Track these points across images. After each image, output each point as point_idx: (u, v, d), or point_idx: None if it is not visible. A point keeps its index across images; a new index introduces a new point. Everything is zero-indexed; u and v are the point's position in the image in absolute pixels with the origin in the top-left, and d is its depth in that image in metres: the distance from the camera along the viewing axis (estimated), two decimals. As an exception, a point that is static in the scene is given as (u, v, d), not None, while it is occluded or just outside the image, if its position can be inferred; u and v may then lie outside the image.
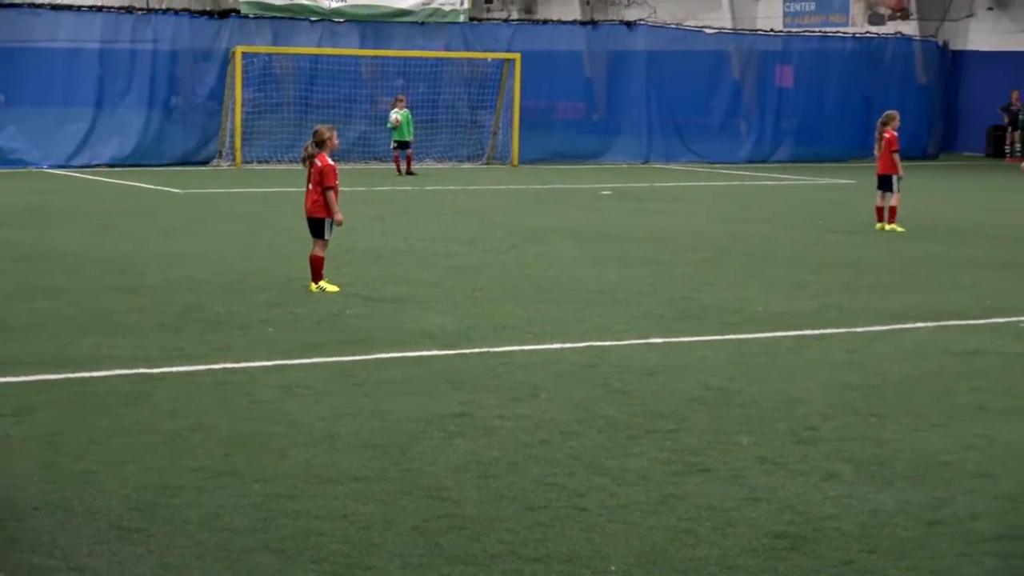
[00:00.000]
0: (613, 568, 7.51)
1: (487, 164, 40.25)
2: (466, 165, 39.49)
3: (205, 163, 37.43)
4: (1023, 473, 9.52)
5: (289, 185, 27.23)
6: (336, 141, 17.54)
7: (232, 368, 12.63)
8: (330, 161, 17.00)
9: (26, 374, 12.13)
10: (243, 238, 22.48)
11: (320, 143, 17.09)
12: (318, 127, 17.79)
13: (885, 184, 24.77)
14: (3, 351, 12.99)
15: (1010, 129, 45.76)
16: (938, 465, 9.72)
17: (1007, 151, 45.37)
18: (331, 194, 16.75)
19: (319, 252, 16.80)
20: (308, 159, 17.14)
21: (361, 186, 25.68)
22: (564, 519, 8.37)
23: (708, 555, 7.74)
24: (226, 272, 18.47)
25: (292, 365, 12.80)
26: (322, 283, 16.62)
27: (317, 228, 16.80)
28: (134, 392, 11.68)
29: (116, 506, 8.43)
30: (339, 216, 16.91)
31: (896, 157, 24.89)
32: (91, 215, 25.65)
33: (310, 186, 16.93)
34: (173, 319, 14.98)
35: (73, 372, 12.28)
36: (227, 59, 37.82)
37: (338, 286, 16.61)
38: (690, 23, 48.70)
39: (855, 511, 8.59)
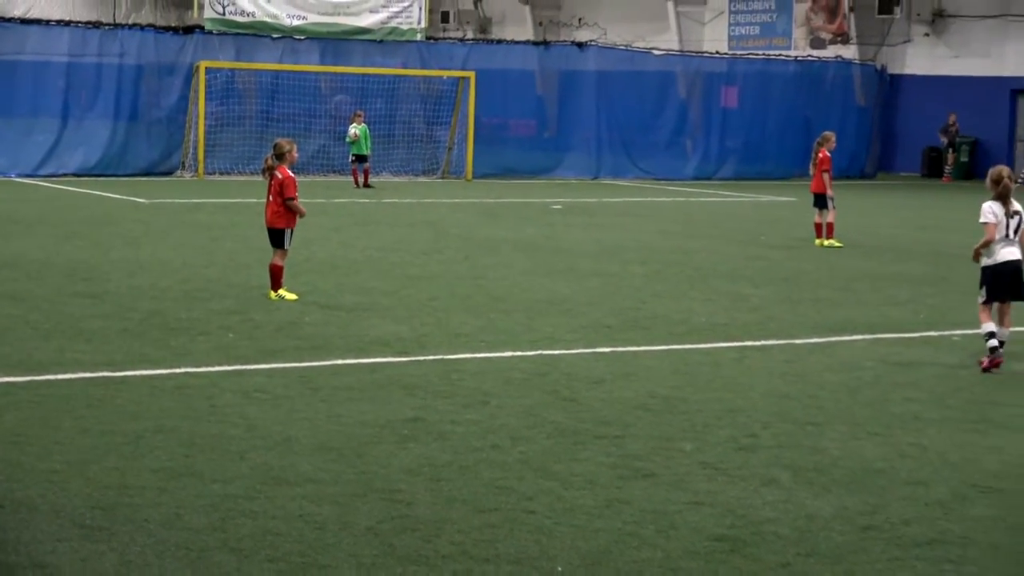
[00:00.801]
0: (560, 569, 7.59)
1: (442, 178, 40.29)
2: (422, 179, 39.50)
3: (169, 174, 37.39)
4: (955, 481, 9.64)
5: (250, 196, 27.23)
6: (295, 154, 17.58)
7: (193, 372, 12.69)
8: (290, 173, 17.02)
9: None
10: (205, 247, 22.46)
11: (280, 156, 17.15)
12: (278, 140, 17.90)
13: (820, 202, 24.93)
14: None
15: (949, 151, 46.02)
16: (873, 472, 9.84)
17: (946, 171, 45.63)
18: (293, 203, 16.76)
19: (279, 261, 16.85)
20: (268, 171, 17.20)
21: (320, 198, 25.67)
22: (513, 521, 8.44)
23: (651, 557, 7.83)
24: (188, 280, 18.47)
25: (251, 370, 12.86)
26: (281, 291, 16.66)
27: (277, 238, 16.85)
28: (97, 395, 11.75)
29: (79, 505, 8.47)
30: (303, 210, 17.06)
31: (826, 177, 25.03)
32: (57, 223, 25.59)
33: (270, 197, 16.97)
34: (136, 325, 14.99)
35: (37, 375, 12.32)
36: (191, 73, 37.79)
37: (296, 294, 16.65)
38: (639, 45, 48.82)
39: (793, 516, 8.70)
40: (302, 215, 16.96)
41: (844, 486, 9.44)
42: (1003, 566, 7.93)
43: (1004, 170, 14.08)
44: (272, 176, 17.01)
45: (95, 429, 10.44)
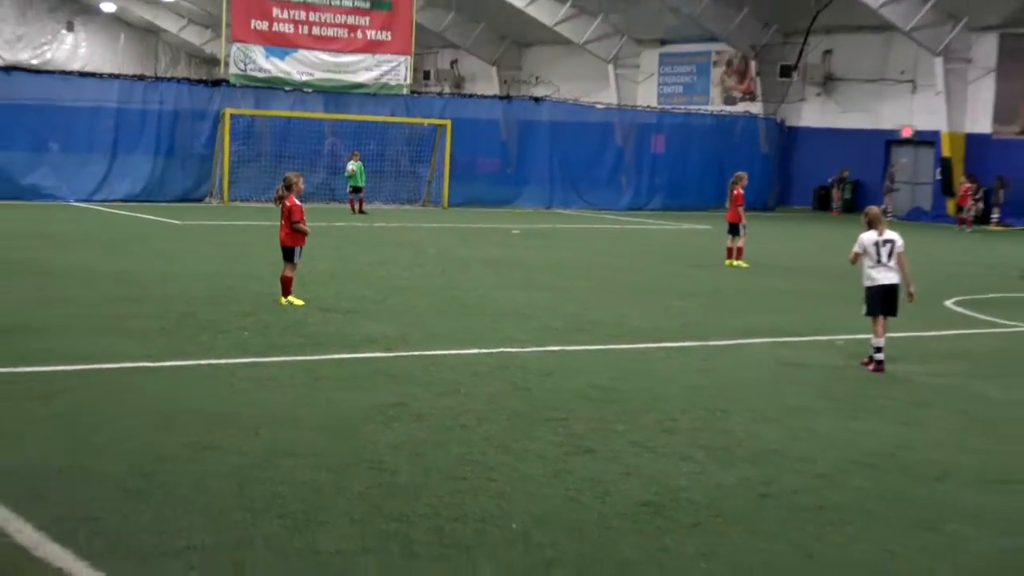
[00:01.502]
0: (515, 526, 7.60)
1: (423, 206, 40.18)
2: (406, 207, 39.37)
3: (199, 200, 37.18)
4: (837, 458, 9.76)
5: (265, 220, 27.10)
6: (302, 186, 17.51)
7: (216, 364, 12.70)
8: (297, 202, 17.00)
9: (50, 365, 12.11)
10: (227, 261, 22.40)
11: (289, 187, 17.13)
12: (288, 174, 17.87)
13: (733, 230, 24.96)
14: (32, 347, 12.95)
15: (836, 188, 46.26)
16: (770, 451, 9.94)
17: (834, 206, 45.81)
18: (299, 226, 16.74)
19: (288, 273, 16.79)
20: (280, 200, 17.18)
21: (322, 222, 25.51)
22: (478, 488, 8.50)
23: (589, 518, 7.91)
24: (213, 287, 18.40)
25: (263, 362, 12.85)
26: (290, 298, 16.60)
27: (288, 254, 16.81)
28: (137, 382, 11.79)
29: (122, 471, 8.49)
30: (307, 231, 16.97)
31: (741, 210, 25.07)
32: (106, 240, 25.51)
33: (282, 221, 16.94)
34: (170, 324, 14.93)
35: (89, 365, 12.31)
36: (218, 119, 37.64)
37: (303, 300, 16.57)
38: (584, 100, 48.82)
39: (704, 485, 8.78)
40: (306, 235, 16.93)
41: (747, 461, 9.52)
42: (876, 527, 8.00)
43: (872, 209, 14.30)
44: (283, 204, 17.05)
45: (135, 409, 10.48)
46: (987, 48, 43.02)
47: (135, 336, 13.97)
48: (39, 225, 27.60)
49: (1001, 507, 8.54)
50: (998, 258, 27.63)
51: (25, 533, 7.14)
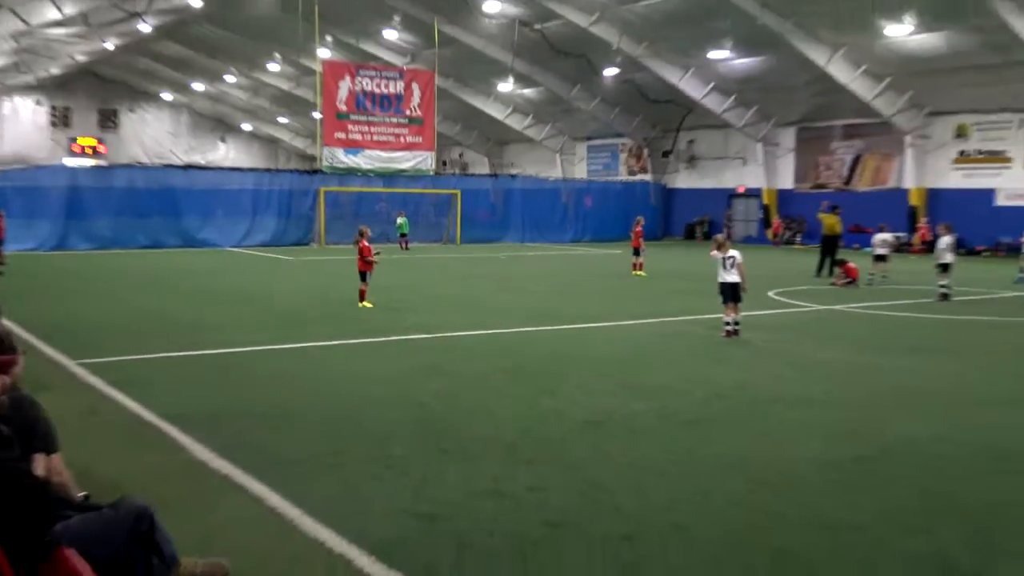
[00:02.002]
0: (508, 440, 7.57)
1: (444, 244, 40.10)
2: (434, 245, 39.34)
3: (306, 244, 37.08)
4: (706, 391, 9.78)
5: (347, 256, 27.04)
6: (369, 233, 17.58)
7: (314, 345, 12.63)
8: (366, 243, 17.03)
9: (220, 348, 12.09)
10: (322, 281, 22.38)
11: (361, 234, 17.26)
12: (361, 227, 18.02)
13: (635, 253, 24.98)
14: (208, 337, 12.88)
15: (698, 225, 46.56)
16: (664, 386, 9.98)
17: (698, 236, 46.01)
18: (370, 258, 16.79)
19: (363, 287, 16.76)
20: (356, 242, 17.24)
21: (383, 255, 25.38)
22: (483, 416, 8.54)
23: (553, 434, 7.95)
24: (312, 297, 18.37)
25: (349, 343, 12.79)
26: (364, 303, 16.54)
27: (361, 277, 16.80)
28: (270, 357, 11.75)
29: (263, 412, 8.47)
30: (376, 259, 17.01)
31: (642, 240, 25.13)
32: (247, 271, 25.55)
33: (358, 256, 16.95)
34: (283, 321, 14.92)
35: (242, 347, 12.23)
36: (316, 194, 37.65)
37: (372, 303, 16.54)
38: (542, 175, 48.92)
39: (624, 411, 8.80)
40: (374, 264, 16.92)
41: (649, 394, 9.53)
42: (731, 435, 8.00)
43: (719, 236, 14.42)
44: (358, 245, 17.08)
45: (271, 374, 10.47)
46: (789, 136, 43.17)
47: (260, 329, 13.94)
48: (207, 263, 27.65)
49: (812, 420, 8.58)
50: (800, 265, 27.74)
51: (204, 453, 7.13)
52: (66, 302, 17.29)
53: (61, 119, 65.23)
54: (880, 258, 23.02)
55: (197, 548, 4.69)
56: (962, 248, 36.28)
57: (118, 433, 7.82)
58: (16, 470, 3.88)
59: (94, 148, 63.69)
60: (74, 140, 64.05)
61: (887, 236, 23.63)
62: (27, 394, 4.76)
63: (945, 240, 19.65)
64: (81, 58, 54.83)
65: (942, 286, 19.20)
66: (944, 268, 19.36)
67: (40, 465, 4.36)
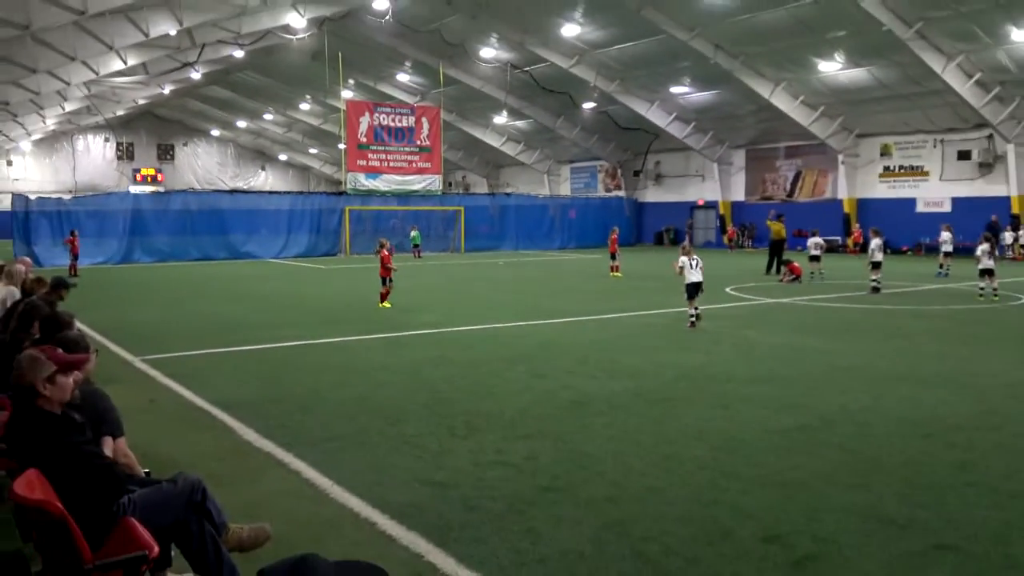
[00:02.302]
0: (507, 417, 7.54)
1: (451, 253, 40.01)
2: (443, 254, 39.24)
3: (334, 255, 37.00)
4: (673, 373, 9.73)
5: (369, 264, 27.01)
6: (388, 244, 17.58)
7: (345, 339, 12.57)
8: (386, 252, 16.99)
9: (260, 344, 12.03)
10: (349, 285, 22.32)
11: (382, 245, 17.25)
12: (381, 239, 18.16)
13: (612, 257, 24.94)
14: (250, 335, 12.83)
15: (666, 232, 46.49)
16: (637, 371, 9.92)
17: (665, 242, 45.92)
18: (390, 266, 16.79)
19: (384, 290, 16.71)
20: (377, 251, 17.24)
21: (398, 263, 25.41)
22: (485, 398, 8.49)
23: (544, 411, 7.93)
24: (341, 299, 18.35)
25: (369, 338, 12.74)
26: (384, 304, 16.51)
27: (383, 281, 16.76)
28: (306, 351, 11.68)
29: (298, 398, 8.48)
30: (395, 268, 17.08)
31: (616, 246, 25.12)
32: (284, 277, 25.46)
33: (380, 264, 16.92)
34: (316, 319, 14.84)
35: (279, 343, 12.16)
36: (343, 212, 37.60)
37: (390, 304, 16.50)
38: (532, 192, 48.92)
39: (605, 391, 8.77)
40: (393, 270, 16.90)
41: (625, 376, 9.49)
42: (695, 408, 7.98)
43: (685, 245, 14.37)
44: (380, 254, 17.05)
45: (304, 366, 10.40)
46: (740, 156, 43.11)
47: (297, 326, 13.87)
48: (250, 272, 27.57)
49: (762, 395, 8.55)
50: (751, 265, 27.72)
51: (250, 434, 7.10)
52: (131, 307, 17.23)
53: (126, 153, 65.16)
54: (814, 258, 23.01)
55: (244, 515, 4.66)
56: (888, 249, 36.43)
57: (175, 418, 7.78)
58: (88, 452, 3.87)
59: (154, 177, 63.60)
60: (137, 171, 63.97)
61: (819, 239, 23.66)
62: (98, 387, 4.74)
63: (875, 242, 19.66)
64: (142, 101, 54.82)
65: (874, 280, 19.21)
66: (876, 266, 19.36)
67: (108, 447, 4.34)
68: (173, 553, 4.02)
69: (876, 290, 18.94)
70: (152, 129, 65.34)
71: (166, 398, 8.64)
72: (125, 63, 34.02)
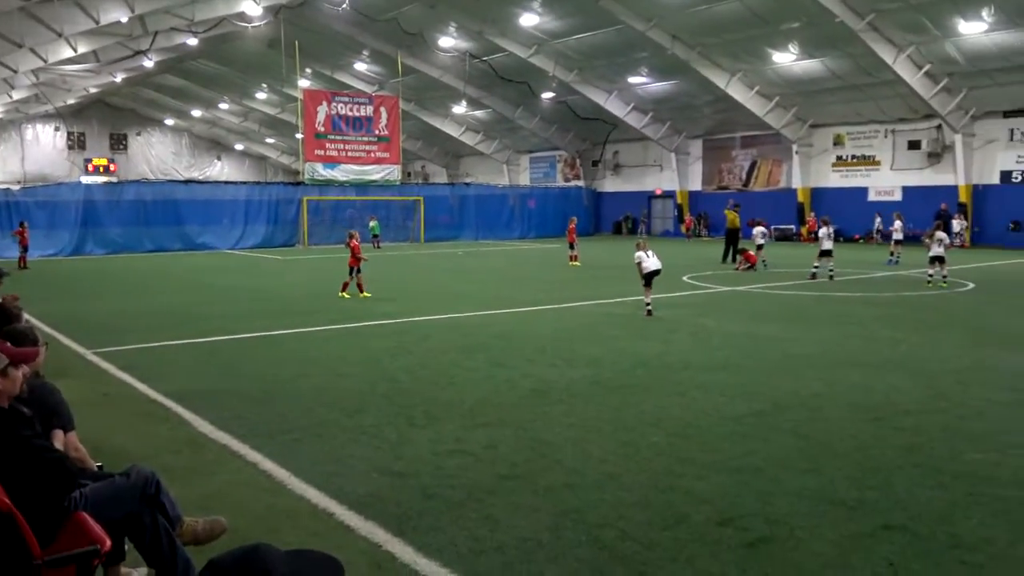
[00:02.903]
0: (466, 407, 7.54)
1: (411, 242, 39.84)
2: (402, 244, 39.04)
3: (292, 246, 36.58)
4: (632, 361, 9.80)
5: (328, 255, 26.86)
6: (358, 235, 17.63)
7: (303, 331, 12.46)
8: (356, 243, 16.97)
9: (216, 336, 11.88)
10: (308, 276, 22.12)
11: (351, 236, 17.25)
12: (351, 230, 18.52)
13: (571, 247, 25.06)
14: (206, 326, 12.66)
15: (624, 221, 46.79)
16: (597, 359, 9.98)
17: (624, 232, 46.23)
18: (359, 255, 16.78)
19: (360, 280, 16.69)
20: (347, 243, 17.28)
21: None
22: (445, 387, 8.47)
23: (504, 400, 7.91)
24: (300, 291, 18.18)
25: (328, 328, 12.65)
26: (364, 294, 16.51)
27: (350, 271, 16.72)
28: (263, 342, 11.54)
29: (255, 390, 8.37)
30: (365, 258, 17.20)
31: (575, 235, 25.24)
32: (242, 269, 25.09)
33: (349, 254, 16.89)
34: (275, 311, 14.69)
35: (234, 335, 12.03)
36: (300, 202, 37.19)
37: (349, 295, 16.43)
38: (492, 183, 48.88)
39: (564, 379, 8.82)
40: (362, 260, 16.86)
41: (584, 365, 9.54)
42: (652, 396, 8.05)
43: (640, 240, 14.48)
44: (349, 244, 17.00)
45: (261, 357, 10.28)
46: (697, 146, 43.53)
47: (260, 318, 13.74)
48: (207, 263, 27.19)
49: (717, 382, 8.66)
50: (708, 254, 28.03)
51: (205, 425, 7.01)
52: (83, 300, 16.88)
53: (77, 143, 63.56)
54: (759, 247, 23.36)
55: (200, 508, 4.61)
56: (841, 237, 37.08)
57: (129, 411, 7.65)
58: (38, 446, 3.78)
59: (106, 167, 62.26)
60: (89, 160, 62.53)
61: (763, 228, 24.02)
62: (48, 381, 4.64)
63: (823, 231, 20.00)
64: (93, 90, 53.54)
65: (821, 268, 19.58)
66: (824, 253, 19.69)
67: (59, 441, 4.26)
68: (127, 547, 3.97)
69: (830, 278, 19.28)
70: (104, 118, 63.82)
71: (120, 391, 8.48)
72: (75, 51, 33.19)
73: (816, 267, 19.59)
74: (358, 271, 16.78)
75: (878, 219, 35.71)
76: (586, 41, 35.09)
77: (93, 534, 3.40)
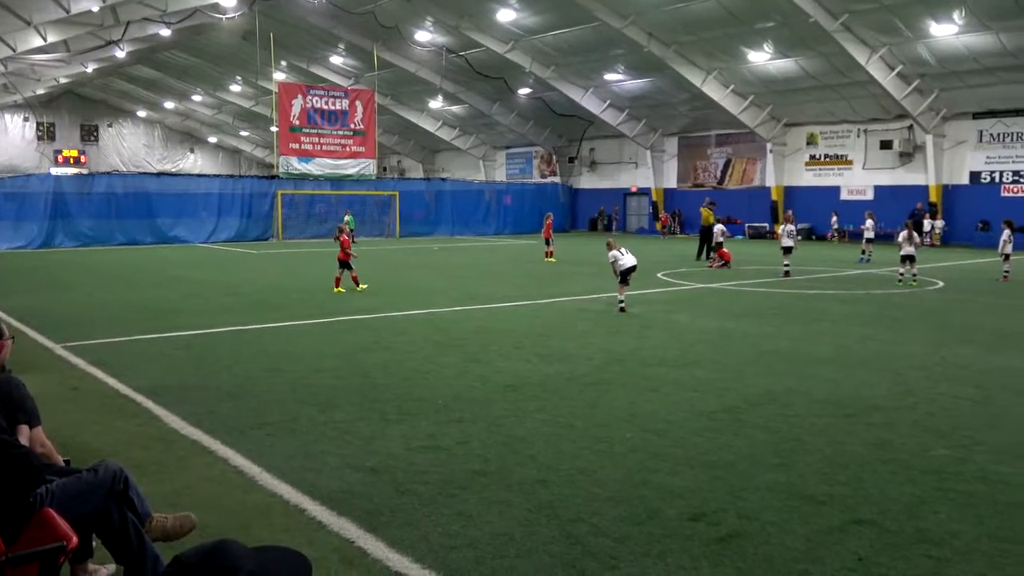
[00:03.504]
0: (440, 402, 7.52)
1: (386, 237, 39.68)
2: (378, 238, 38.88)
3: (266, 240, 36.33)
4: (605, 358, 9.82)
5: (305, 248, 26.67)
6: (347, 229, 17.93)
7: (278, 325, 12.38)
8: (346, 238, 17.14)
9: (188, 330, 11.75)
10: (283, 270, 21.94)
11: (341, 231, 17.45)
12: (342, 224, 18.74)
13: (547, 243, 25.11)
14: (177, 320, 12.54)
15: (599, 217, 46.88)
16: (571, 355, 9.97)
17: (601, 227, 46.34)
18: (350, 250, 16.93)
19: (353, 274, 16.80)
20: (337, 237, 17.42)
21: (331, 249, 24.99)
22: (420, 383, 8.44)
23: (478, 395, 7.90)
24: (274, 285, 18.03)
25: (304, 323, 12.58)
26: (339, 288, 16.55)
27: (343, 264, 16.86)
28: (235, 337, 11.43)
29: (227, 385, 8.27)
30: (354, 254, 17.28)
31: (551, 232, 25.28)
32: (215, 264, 24.85)
33: (339, 248, 17.04)
34: (251, 305, 14.58)
35: (209, 329, 11.91)
36: (274, 195, 36.91)
37: (343, 289, 16.50)
38: (468, 178, 48.80)
39: (539, 375, 8.81)
40: (353, 256, 17.05)
41: (558, 361, 9.54)
42: (626, 391, 8.07)
43: (611, 240, 14.54)
44: (340, 239, 17.12)
45: (234, 352, 10.19)
46: (672, 144, 43.73)
47: (233, 312, 13.62)
48: (179, 256, 26.92)
49: (690, 378, 8.71)
50: (683, 251, 28.18)
51: (176, 421, 6.94)
52: (51, 293, 16.63)
53: (47, 133, 62.54)
54: (718, 244, 23.54)
55: (170, 504, 4.56)
56: (813, 235, 37.47)
57: (99, 406, 7.54)
58: (2, 441, 3.72)
59: (77, 159, 61.44)
60: (59, 152, 61.64)
61: (722, 227, 24.20)
62: (13, 375, 4.57)
63: (785, 228, 20.26)
64: (64, 80, 52.68)
65: (785, 265, 19.80)
66: (787, 251, 19.90)
67: (24, 436, 4.19)
68: (95, 544, 3.92)
69: (787, 274, 19.50)
70: (75, 109, 62.86)
71: (89, 385, 8.36)
72: (45, 40, 32.65)
73: (786, 265, 19.77)
74: (348, 265, 16.82)
75: (834, 217, 36.36)
76: (563, 37, 35.11)
77: (59, 530, 3.34)
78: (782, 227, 20.17)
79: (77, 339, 10.92)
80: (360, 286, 16.67)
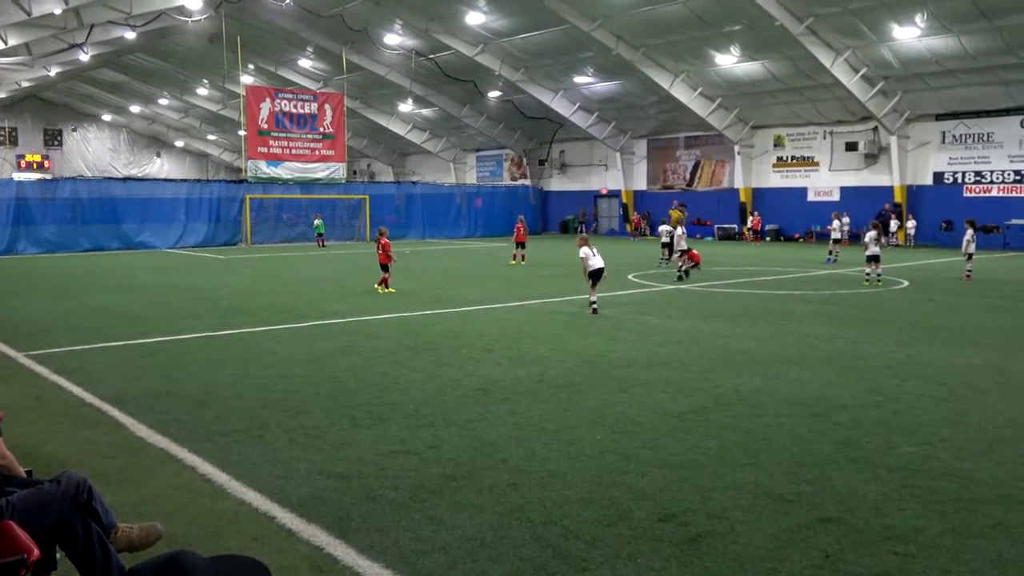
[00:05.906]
0: (411, 406, 7.49)
1: (356, 241, 39.46)
2: (347, 242, 38.66)
3: (235, 245, 35.97)
4: (577, 360, 9.82)
5: (273, 254, 26.42)
6: (387, 232, 18.23)
7: (247, 331, 12.23)
8: (386, 240, 17.55)
9: (155, 337, 11.58)
10: (248, 276, 21.69)
11: (381, 233, 17.82)
12: (381, 228, 18.88)
13: (519, 246, 25.11)
14: (144, 327, 12.36)
15: (581, 217, 47.01)
16: (542, 357, 9.99)
17: (572, 230, 46.44)
18: (391, 253, 17.38)
19: (386, 276, 17.25)
20: (377, 240, 17.70)
21: (301, 252, 24.87)
22: (389, 388, 8.39)
23: (449, 399, 7.87)
24: (241, 291, 17.82)
25: (274, 329, 12.44)
26: (389, 290, 17.00)
27: (384, 268, 17.27)
28: (202, 344, 11.27)
29: (195, 392, 8.18)
30: (394, 257, 17.71)
31: (525, 234, 25.26)
32: (183, 269, 24.50)
33: (379, 251, 17.36)
34: (219, 311, 14.40)
35: (175, 336, 11.75)
36: (243, 200, 36.56)
37: (395, 290, 16.65)
38: (439, 181, 48.72)
39: (510, 377, 8.80)
40: (392, 259, 17.35)
41: (529, 363, 9.55)
42: (597, 392, 8.09)
43: (583, 236, 14.56)
44: (379, 242, 17.45)
45: (202, 358, 10.06)
46: (642, 146, 44.00)
47: (201, 319, 13.46)
48: (146, 262, 26.53)
49: (660, 379, 8.75)
50: (653, 253, 28.33)
51: (142, 429, 6.85)
52: (13, 301, 16.32)
53: (8, 138, 61.49)
54: (663, 245, 23.70)
55: (136, 514, 4.50)
56: (782, 236, 37.87)
57: (63, 415, 7.41)
58: (-39, 453, 3.65)
59: (40, 163, 60.44)
60: (22, 157, 60.64)
61: (667, 227, 24.34)
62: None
63: (662, 228, 20.71)
64: (26, 84, 51.82)
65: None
66: (680, 253, 20.47)
67: (-16, 447, 4.11)
68: (59, 555, 3.85)
69: (686, 273, 19.97)
70: (38, 113, 61.86)
71: (53, 394, 8.22)
72: (5, 43, 32.12)
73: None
74: (387, 268, 17.21)
75: (751, 218, 37.39)
76: (532, 40, 35.19)
77: (20, 543, 3.29)
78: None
79: (40, 347, 10.73)
80: (388, 289, 17.01)
